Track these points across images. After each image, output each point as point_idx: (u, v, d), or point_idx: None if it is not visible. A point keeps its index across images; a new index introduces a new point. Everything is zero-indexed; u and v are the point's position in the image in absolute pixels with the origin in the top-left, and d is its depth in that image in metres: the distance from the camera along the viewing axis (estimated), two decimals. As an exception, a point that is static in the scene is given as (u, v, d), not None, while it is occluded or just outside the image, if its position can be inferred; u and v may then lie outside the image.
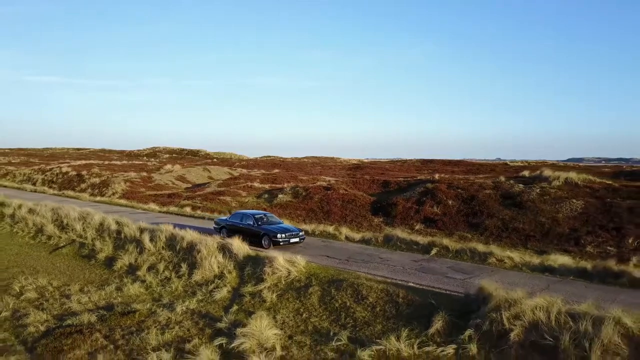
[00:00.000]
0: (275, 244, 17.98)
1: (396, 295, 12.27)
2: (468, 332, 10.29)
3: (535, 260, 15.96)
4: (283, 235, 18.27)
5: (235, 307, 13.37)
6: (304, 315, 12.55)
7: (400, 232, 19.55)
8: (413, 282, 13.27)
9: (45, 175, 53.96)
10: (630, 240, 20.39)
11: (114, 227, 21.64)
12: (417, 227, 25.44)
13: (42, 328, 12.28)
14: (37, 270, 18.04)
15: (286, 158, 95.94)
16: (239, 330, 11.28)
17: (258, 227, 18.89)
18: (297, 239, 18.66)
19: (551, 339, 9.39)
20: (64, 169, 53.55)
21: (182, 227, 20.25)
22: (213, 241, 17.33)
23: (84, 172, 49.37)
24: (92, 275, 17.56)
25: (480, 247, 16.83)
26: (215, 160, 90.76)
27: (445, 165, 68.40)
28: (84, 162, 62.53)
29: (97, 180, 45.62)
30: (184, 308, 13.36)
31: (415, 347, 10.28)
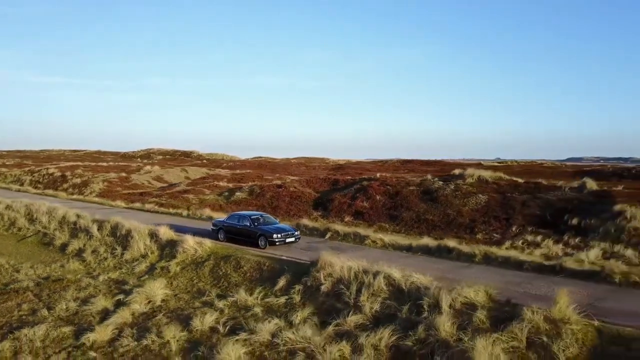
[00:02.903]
0: (272, 243, 18.76)
1: (263, 265, 16.25)
2: (297, 287, 14.24)
3: (407, 242, 19.78)
4: (279, 235, 19.00)
5: (146, 277, 17.38)
6: (194, 281, 16.55)
7: (307, 221, 23.43)
8: (285, 256, 17.20)
9: (33, 176, 58.34)
10: (514, 228, 24.20)
11: (73, 219, 25.73)
12: (346, 219, 29.37)
13: (-8, 291, 16.34)
14: (2, 254, 22.14)
15: (275, 159, 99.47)
16: (135, 290, 15.27)
17: (254, 228, 19.63)
18: (292, 239, 19.41)
19: (345, 288, 13.30)
20: (51, 170, 57.89)
21: (147, 221, 24.27)
22: (145, 228, 21.34)
23: (67, 173, 53.67)
24: (46, 257, 21.66)
25: (362, 231, 20.72)
26: (204, 161, 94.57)
27: (422, 165, 72.15)
28: (71, 163, 66.88)
29: (78, 180, 49.90)
30: (106, 278, 17.41)
31: (259, 298, 14.23)
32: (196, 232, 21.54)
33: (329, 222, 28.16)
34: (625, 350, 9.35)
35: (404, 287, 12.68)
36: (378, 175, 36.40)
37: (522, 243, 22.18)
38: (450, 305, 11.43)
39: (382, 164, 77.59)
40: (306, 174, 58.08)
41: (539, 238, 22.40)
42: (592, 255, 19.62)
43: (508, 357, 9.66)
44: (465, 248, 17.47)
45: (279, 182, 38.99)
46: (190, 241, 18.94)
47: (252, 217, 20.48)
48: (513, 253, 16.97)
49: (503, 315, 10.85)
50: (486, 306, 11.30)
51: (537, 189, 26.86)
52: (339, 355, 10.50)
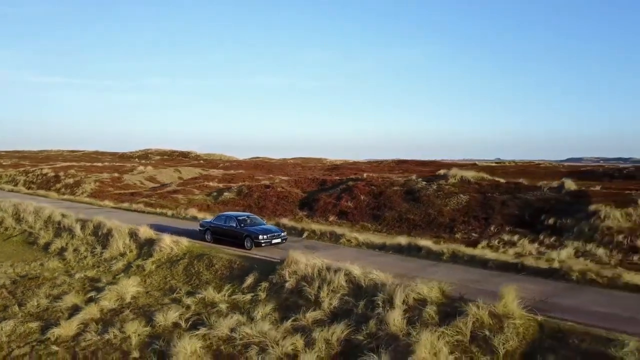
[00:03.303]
0: (257, 245, 18.69)
1: (234, 263, 16.67)
2: (264, 284, 14.66)
3: (382, 240, 20.15)
4: (265, 236, 18.96)
5: (122, 275, 17.82)
6: (168, 278, 16.98)
7: (287, 220, 23.84)
8: (258, 255, 17.62)
9: (28, 177, 58.91)
10: (492, 228, 24.58)
11: (58, 219, 26.20)
12: (331, 219, 29.82)
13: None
14: (-15, 253, 22.61)
15: (272, 159, 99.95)
16: (108, 287, 15.71)
17: (241, 229, 19.57)
18: (279, 240, 19.38)
19: (307, 285, 13.72)
20: (44, 171, 58.44)
21: (134, 221, 24.73)
22: (126, 228, 21.78)
23: (60, 174, 54.22)
24: (29, 256, 22.12)
25: (338, 230, 21.12)
26: (201, 161, 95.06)
27: (417, 165, 72.56)
28: (66, 164, 67.44)
29: (71, 180, 50.43)
30: (82, 275, 17.86)
31: (227, 295, 14.65)
32: (179, 232, 22.02)
33: (313, 222, 28.64)
34: (560, 344, 9.74)
35: (363, 284, 13.08)
36: (365, 175, 36.80)
37: (499, 242, 22.56)
38: (403, 301, 11.82)
39: (378, 164, 77.97)
40: (301, 174, 58.54)
41: (515, 237, 22.78)
42: (563, 254, 20.02)
43: (450, 350, 10.06)
44: (434, 247, 17.87)
45: (267, 182, 39.42)
46: (167, 240, 19.37)
47: (239, 218, 20.45)
48: (480, 252, 17.37)
49: (453, 310, 11.23)
50: (438, 302, 11.69)
51: (517, 189, 27.23)
52: (292, 349, 10.92)
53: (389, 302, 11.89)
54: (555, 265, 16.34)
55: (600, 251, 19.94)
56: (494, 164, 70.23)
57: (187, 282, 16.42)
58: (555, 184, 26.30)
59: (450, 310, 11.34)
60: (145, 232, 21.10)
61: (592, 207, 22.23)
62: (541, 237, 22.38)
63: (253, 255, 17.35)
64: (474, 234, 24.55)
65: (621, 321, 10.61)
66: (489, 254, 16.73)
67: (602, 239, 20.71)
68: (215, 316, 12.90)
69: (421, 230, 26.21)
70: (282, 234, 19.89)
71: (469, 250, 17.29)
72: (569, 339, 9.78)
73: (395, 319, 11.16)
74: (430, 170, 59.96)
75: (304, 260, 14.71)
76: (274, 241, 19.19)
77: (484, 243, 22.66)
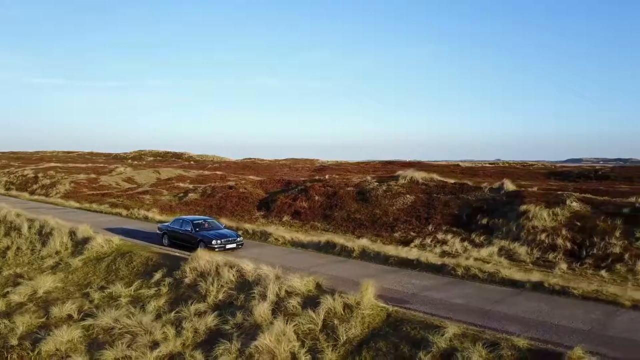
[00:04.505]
0: (211, 249, 18.12)
1: (151, 260, 17.71)
2: (168, 279, 15.67)
3: (308, 238, 21.10)
4: (218, 241, 18.67)
5: (49, 271, 18.89)
6: (89, 275, 18.04)
7: (225, 220, 24.84)
8: (175, 253, 18.62)
9: (9, 178, 60.32)
10: (430, 227, 25.46)
11: (11, 218, 27.34)
12: (284, 219, 30.82)
13: None
14: None
15: (264, 160, 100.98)
16: (26, 283, 16.78)
17: (195, 233, 19.41)
18: (233, 245, 18.99)
19: (203, 280, 14.72)
20: (26, 172, 59.86)
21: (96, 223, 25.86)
22: (67, 227, 22.87)
23: (40, 175, 55.56)
24: (-27, 255, 23.22)
25: (269, 230, 22.10)
26: (192, 162, 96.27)
27: (402, 166, 73.20)
28: (51, 165, 68.85)
29: (48, 181, 51.74)
30: (10, 272, 19.01)
31: (134, 290, 15.68)
32: (126, 232, 23.20)
33: (267, 222, 29.73)
34: (394, 331, 10.68)
35: (250, 279, 14.06)
36: (327, 176, 37.73)
37: (431, 241, 23.45)
38: (276, 293, 12.79)
39: (365, 165, 78.96)
40: (288, 174, 59.65)
41: (449, 236, 23.67)
42: (483, 253, 21.01)
43: (301, 337, 11.03)
44: (349, 244, 18.79)
45: (232, 183, 40.47)
46: (98, 239, 20.44)
47: (195, 222, 20.28)
48: (390, 249, 18.24)
49: (316, 302, 12.18)
50: (306, 295, 12.65)
51: (462, 189, 28.07)
52: (162, 337, 11.91)
53: (264, 295, 12.86)
54: (448, 261, 16.95)
55: (522, 249, 20.84)
56: (472, 165, 71.12)
57: (105, 278, 17.46)
58: (496, 184, 27.11)
59: (313, 302, 12.29)
60: (83, 230, 22.16)
61: (523, 208, 23.06)
62: (473, 236, 23.25)
63: (169, 253, 18.36)
64: (412, 233, 25.42)
65: (467, 311, 11.54)
66: (393, 252, 17.62)
67: (527, 238, 21.56)
68: (108, 308, 13.92)
69: (365, 229, 27.13)
70: (238, 239, 19.48)
71: (376, 247, 18.21)
72: (403, 327, 10.71)
73: (262, 309, 12.13)
74: (412, 170, 60.84)
75: (206, 257, 15.71)
76: (228, 246, 18.84)
77: (417, 242, 23.59)
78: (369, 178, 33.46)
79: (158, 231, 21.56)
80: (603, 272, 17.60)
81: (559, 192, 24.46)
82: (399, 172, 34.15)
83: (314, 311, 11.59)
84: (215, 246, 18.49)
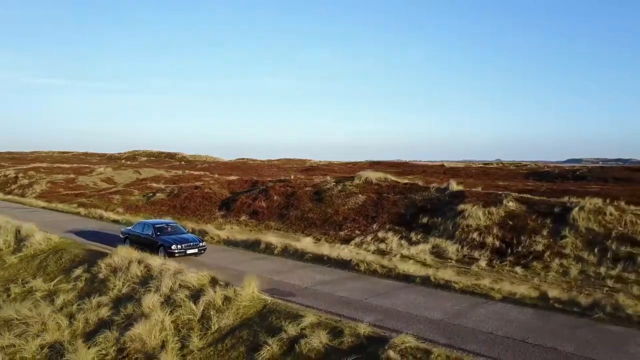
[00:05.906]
0: (171, 255, 17.70)
1: (77, 257, 18.61)
2: (85, 274, 16.55)
3: (245, 237, 21.94)
4: (179, 246, 18.07)
5: (-16, 268, 19.82)
6: (21, 271, 18.96)
7: (169, 219, 25.70)
8: (108, 249, 19.50)
9: (-8, 178, 61.55)
10: (374, 226, 26.22)
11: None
12: (242, 218, 31.70)
13: None
14: None
15: (256, 160, 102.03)
16: (-45, 277, 17.70)
17: (155, 238, 18.88)
18: (195, 250, 18.42)
19: (113, 275, 15.57)
20: (8, 172, 61.08)
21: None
22: (14, 225, 23.81)
23: (20, 175, 56.75)
24: None
25: (208, 229, 22.96)
26: (183, 163, 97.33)
27: (389, 166, 74.20)
28: (32, 165, 70.10)
29: (26, 181, 52.91)
30: (-53, 268, 19.87)
31: (54, 284, 16.58)
32: (77, 232, 24.12)
33: (226, 222, 30.64)
34: (261, 320, 11.48)
35: (154, 273, 14.89)
36: (292, 177, 38.54)
37: (372, 239, 24.23)
38: (170, 287, 13.62)
39: (352, 165, 79.74)
40: (276, 174, 60.57)
41: (389, 234, 24.41)
42: (414, 250, 21.75)
43: (179, 326, 11.87)
44: (274, 242, 19.61)
45: (198, 183, 41.37)
46: (37, 237, 21.36)
47: (156, 225, 19.72)
48: (310, 246, 19.03)
49: (201, 295, 13.00)
50: (198, 288, 13.46)
51: (411, 189, 28.80)
52: (56, 327, 12.77)
53: (158, 289, 13.69)
54: (354, 258, 17.63)
55: (453, 247, 21.60)
56: (461, 165, 71.92)
57: (34, 274, 18.37)
58: (443, 185, 27.81)
59: (200, 294, 13.10)
60: (28, 229, 23.10)
61: (460, 207, 23.78)
62: (412, 234, 24.00)
63: (99, 250, 19.24)
64: (357, 232, 26.20)
65: (342, 303, 12.36)
66: (312, 249, 18.40)
67: (460, 236, 22.29)
68: (22, 302, 14.80)
69: (316, 228, 27.94)
70: (201, 244, 18.85)
71: (301, 245, 18.98)
72: (270, 317, 11.50)
73: (151, 301, 12.97)
74: (399, 171, 61.61)
75: (123, 253, 16.57)
76: (189, 251, 18.23)
77: (357, 240, 24.39)
78: (328, 178, 34.24)
79: (121, 234, 21.04)
80: (518, 269, 18.34)
81: (499, 193, 25.15)
82: (359, 173, 34.91)
83: (195, 303, 12.41)
84: (175, 251, 17.93)
